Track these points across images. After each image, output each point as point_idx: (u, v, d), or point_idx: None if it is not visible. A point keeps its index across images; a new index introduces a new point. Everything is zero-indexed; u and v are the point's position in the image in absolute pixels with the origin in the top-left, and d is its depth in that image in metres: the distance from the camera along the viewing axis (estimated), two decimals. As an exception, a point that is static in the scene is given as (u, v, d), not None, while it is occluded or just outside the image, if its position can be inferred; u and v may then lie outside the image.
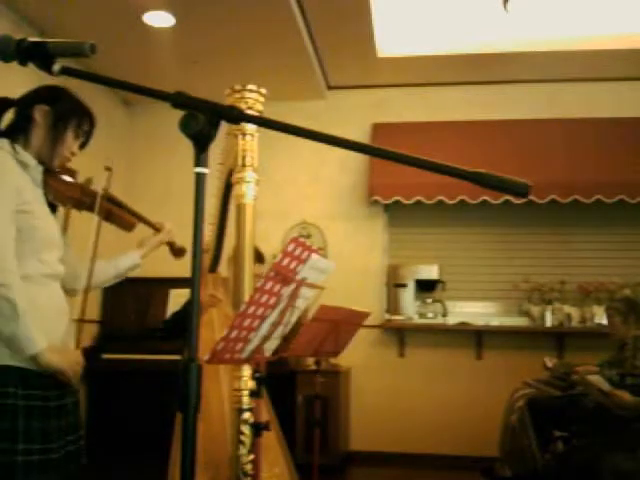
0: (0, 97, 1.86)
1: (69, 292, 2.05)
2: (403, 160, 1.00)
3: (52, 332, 1.78)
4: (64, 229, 1.99)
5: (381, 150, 1.04)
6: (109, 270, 2.13)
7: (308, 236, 5.53)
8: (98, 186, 2.02)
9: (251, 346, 1.70)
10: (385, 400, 5.32)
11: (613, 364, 3.83)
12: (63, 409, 1.79)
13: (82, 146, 1.93)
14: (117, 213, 2.10)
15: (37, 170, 1.83)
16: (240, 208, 1.83)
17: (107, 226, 2.10)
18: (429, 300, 5.39)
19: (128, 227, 2.16)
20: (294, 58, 4.81)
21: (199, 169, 1.01)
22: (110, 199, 2.07)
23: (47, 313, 1.78)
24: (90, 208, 2.01)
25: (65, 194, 1.92)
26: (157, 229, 2.23)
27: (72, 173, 1.99)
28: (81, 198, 1.98)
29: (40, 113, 1.81)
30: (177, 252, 2.34)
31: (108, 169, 2.03)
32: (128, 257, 2.16)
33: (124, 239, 2.33)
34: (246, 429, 1.79)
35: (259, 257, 3.45)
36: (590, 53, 4.89)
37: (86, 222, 2.03)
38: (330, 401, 4.72)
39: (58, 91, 1.86)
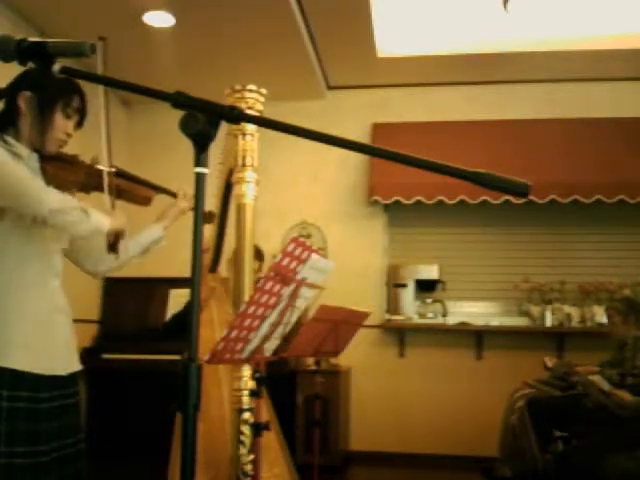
0: None
1: (91, 274, 2.03)
2: (403, 160, 1.00)
3: (47, 333, 1.73)
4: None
5: (381, 150, 1.04)
6: (133, 247, 2.04)
7: (308, 236, 5.53)
8: (103, 158, 1.91)
9: (251, 346, 1.70)
10: (385, 400, 5.32)
11: (613, 364, 3.83)
12: (57, 411, 1.73)
13: (79, 124, 1.87)
14: (129, 189, 2.00)
15: (32, 159, 1.78)
16: (240, 208, 1.84)
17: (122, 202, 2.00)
18: (429, 300, 5.39)
19: (143, 202, 2.06)
20: (294, 58, 4.81)
21: (199, 169, 1.01)
22: (120, 174, 1.97)
23: (43, 313, 1.74)
24: (98, 189, 1.92)
25: (67, 179, 1.85)
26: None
27: (73, 157, 1.91)
28: (86, 180, 1.89)
29: (24, 100, 1.76)
30: (206, 218, 2.19)
31: (102, 39, 1.87)
32: (150, 232, 2.08)
33: (145, 211, 2.20)
34: (246, 429, 1.79)
35: (258, 254, 3.45)
36: (590, 53, 4.89)
37: (97, 203, 1.92)
38: (330, 401, 4.72)
39: (41, 73, 1.72)
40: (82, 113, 1.87)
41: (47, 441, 1.68)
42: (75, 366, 1.86)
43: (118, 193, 1.95)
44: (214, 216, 2.20)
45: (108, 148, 1.91)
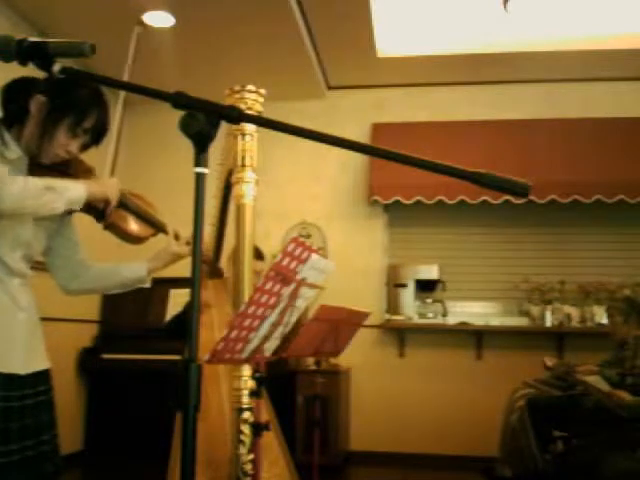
0: (23, 77, 1.72)
1: (61, 289, 1.94)
2: (403, 160, 1.00)
3: (3, 330, 1.67)
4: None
5: (381, 150, 1.04)
6: (113, 276, 1.97)
7: (308, 236, 5.53)
8: (106, 172, 1.81)
9: (251, 346, 1.70)
10: (385, 400, 5.32)
11: (613, 364, 3.84)
12: (29, 409, 1.69)
13: (94, 142, 1.77)
14: (117, 222, 1.84)
15: (21, 163, 1.69)
16: (240, 208, 1.83)
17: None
18: (429, 300, 5.39)
19: (132, 240, 1.93)
20: (294, 58, 4.81)
21: (199, 169, 1.01)
22: (120, 202, 1.83)
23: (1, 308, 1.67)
24: (84, 209, 1.76)
25: None
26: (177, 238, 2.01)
27: (71, 165, 1.78)
28: None
29: (35, 104, 1.68)
30: (212, 272, 2.10)
31: (140, 23, 1.78)
32: (133, 267, 1.98)
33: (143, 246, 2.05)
34: (246, 429, 1.79)
35: (258, 254, 3.45)
36: (590, 53, 4.89)
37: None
38: (330, 401, 4.72)
39: (67, 80, 1.54)
40: (97, 133, 1.76)
41: (19, 439, 1.64)
42: (38, 365, 1.78)
43: (108, 224, 1.81)
44: (222, 273, 2.06)
45: (113, 162, 1.85)
